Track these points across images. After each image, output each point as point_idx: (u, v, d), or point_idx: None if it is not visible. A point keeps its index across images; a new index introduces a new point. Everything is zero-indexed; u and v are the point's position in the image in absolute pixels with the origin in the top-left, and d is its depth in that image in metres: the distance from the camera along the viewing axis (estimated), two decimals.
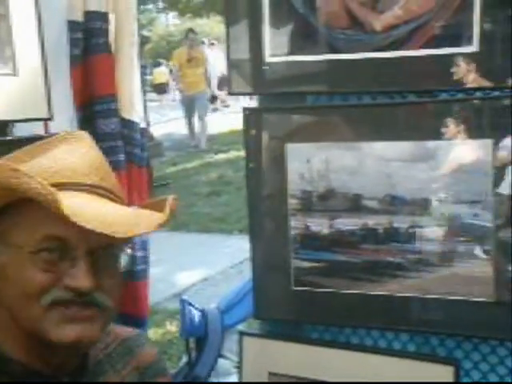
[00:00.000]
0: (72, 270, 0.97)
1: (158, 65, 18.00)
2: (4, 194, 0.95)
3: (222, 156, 10.98)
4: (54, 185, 0.94)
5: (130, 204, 1.43)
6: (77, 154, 1.04)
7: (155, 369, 1.22)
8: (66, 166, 1.01)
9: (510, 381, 1.38)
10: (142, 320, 1.93)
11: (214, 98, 14.35)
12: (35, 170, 0.97)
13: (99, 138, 1.78)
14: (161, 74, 17.36)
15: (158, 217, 1.00)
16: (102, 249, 0.99)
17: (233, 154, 10.41)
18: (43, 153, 1.03)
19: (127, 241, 1.04)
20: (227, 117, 13.52)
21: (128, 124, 1.83)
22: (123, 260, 1.06)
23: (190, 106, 11.87)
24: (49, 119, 1.63)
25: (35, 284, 0.96)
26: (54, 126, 1.66)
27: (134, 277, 1.87)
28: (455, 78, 1.29)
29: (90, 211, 0.94)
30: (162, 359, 1.26)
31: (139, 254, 1.89)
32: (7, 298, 1.00)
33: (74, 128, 1.79)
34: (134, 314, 1.89)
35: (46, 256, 0.97)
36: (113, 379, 1.14)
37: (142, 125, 1.92)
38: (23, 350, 1.03)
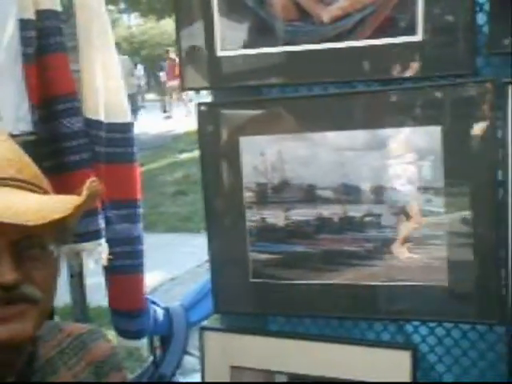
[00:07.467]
0: None
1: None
2: None
3: (187, 155, 10.93)
4: None
5: None
6: None
7: (110, 363, 1.20)
8: None
9: (464, 361, 1.41)
10: (132, 313, 1.92)
11: None
12: None
13: (62, 137, 1.77)
14: None
15: (75, 199, 0.96)
16: (25, 240, 0.95)
17: (198, 153, 10.35)
18: None
19: (56, 229, 0.98)
20: (192, 116, 13.55)
21: (93, 123, 1.82)
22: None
23: None
24: None
25: None
26: (4, 126, 1.64)
27: (120, 271, 1.87)
28: (402, 67, 1.31)
29: (1, 204, 0.90)
30: (117, 354, 1.24)
31: (123, 249, 1.88)
32: None
33: (29, 128, 1.77)
34: (124, 308, 1.90)
35: None
36: (65, 376, 1.11)
37: (127, 120, 1.91)
38: None
